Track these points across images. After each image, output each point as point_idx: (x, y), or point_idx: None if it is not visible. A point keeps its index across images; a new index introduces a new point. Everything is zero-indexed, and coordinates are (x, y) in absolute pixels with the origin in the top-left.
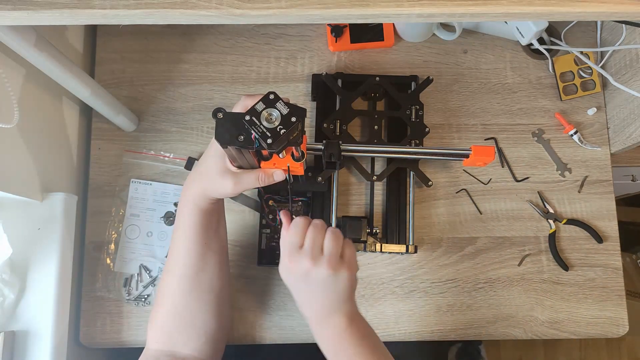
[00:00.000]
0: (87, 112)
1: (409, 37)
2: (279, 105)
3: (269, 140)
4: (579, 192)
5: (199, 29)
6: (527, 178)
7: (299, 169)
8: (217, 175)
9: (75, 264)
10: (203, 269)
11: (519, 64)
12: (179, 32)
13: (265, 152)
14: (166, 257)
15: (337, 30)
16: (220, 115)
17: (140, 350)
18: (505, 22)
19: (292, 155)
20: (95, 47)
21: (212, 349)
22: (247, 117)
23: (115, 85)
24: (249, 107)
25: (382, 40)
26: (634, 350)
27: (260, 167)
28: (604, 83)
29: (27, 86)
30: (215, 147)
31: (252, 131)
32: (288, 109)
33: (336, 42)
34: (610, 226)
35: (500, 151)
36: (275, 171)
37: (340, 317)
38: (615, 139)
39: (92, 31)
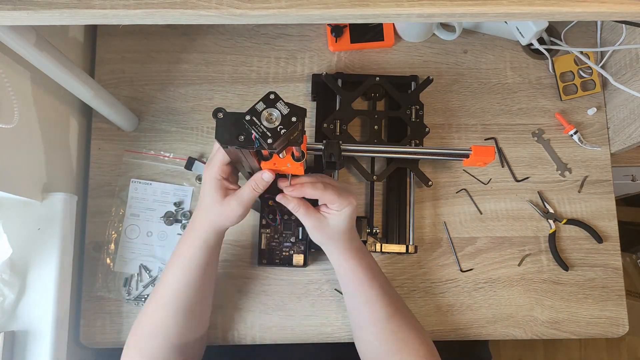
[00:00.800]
0: (87, 112)
1: (409, 37)
2: (279, 105)
3: (270, 140)
4: (579, 192)
5: (199, 29)
6: (527, 178)
7: (299, 169)
8: (220, 204)
9: (75, 264)
10: (200, 302)
11: (519, 64)
12: (179, 32)
13: (265, 152)
14: (160, 270)
15: (337, 30)
16: (220, 115)
17: None
18: (505, 22)
19: (293, 155)
20: (95, 47)
21: (197, 348)
22: (248, 117)
23: (115, 85)
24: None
25: (382, 40)
26: (634, 350)
27: (260, 167)
28: (604, 83)
29: (27, 86)
30: (207, 180)
31: (253, 131)
32: (288, 109)
33: (336, 42)
34: (610, 226)
35: (500, 151)
36: (263, 172)
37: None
38: (615, 138)
39: (92, 31)
